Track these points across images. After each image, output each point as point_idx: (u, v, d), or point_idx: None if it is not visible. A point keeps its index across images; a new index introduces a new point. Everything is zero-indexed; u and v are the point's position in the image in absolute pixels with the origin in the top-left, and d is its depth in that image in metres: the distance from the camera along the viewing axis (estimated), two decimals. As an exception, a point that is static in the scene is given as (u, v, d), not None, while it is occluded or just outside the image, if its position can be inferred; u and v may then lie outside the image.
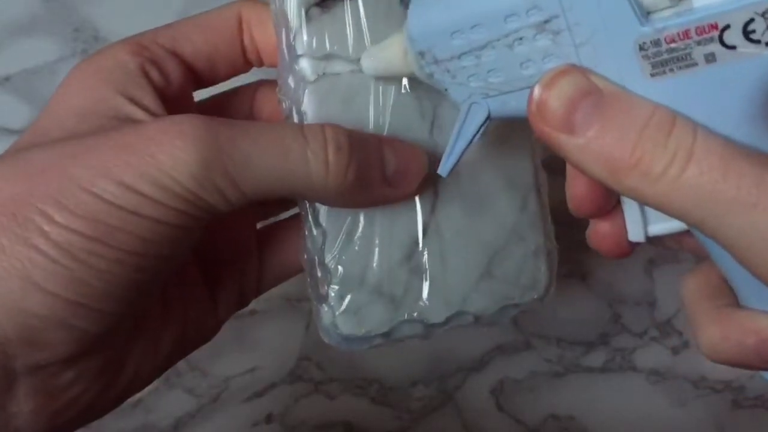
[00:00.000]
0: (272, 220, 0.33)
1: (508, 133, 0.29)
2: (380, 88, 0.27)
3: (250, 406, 0.47)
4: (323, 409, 0.48)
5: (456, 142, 0.24)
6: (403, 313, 0.28)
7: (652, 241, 0.24)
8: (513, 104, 0.22)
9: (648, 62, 0.19)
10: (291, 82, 0.28)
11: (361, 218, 0.28)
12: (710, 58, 0.19)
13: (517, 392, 0.49)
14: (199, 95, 0.31)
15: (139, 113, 0.26)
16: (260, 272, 0.32)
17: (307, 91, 0.27)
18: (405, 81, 0.28)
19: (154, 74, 0.27)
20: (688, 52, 0.19)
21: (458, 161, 0.24)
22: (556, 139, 0.20)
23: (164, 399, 0.46)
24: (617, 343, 0.49)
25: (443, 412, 0.49)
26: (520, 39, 0.21)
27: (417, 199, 0.28)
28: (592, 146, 0.20)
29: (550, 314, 0.48)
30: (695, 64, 0.19)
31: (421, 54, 0.23)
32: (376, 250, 0.28)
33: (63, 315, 0.23)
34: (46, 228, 0.22)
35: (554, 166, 0.46)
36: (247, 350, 0.46)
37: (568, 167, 0.24)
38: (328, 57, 0.27)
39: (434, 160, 0.28)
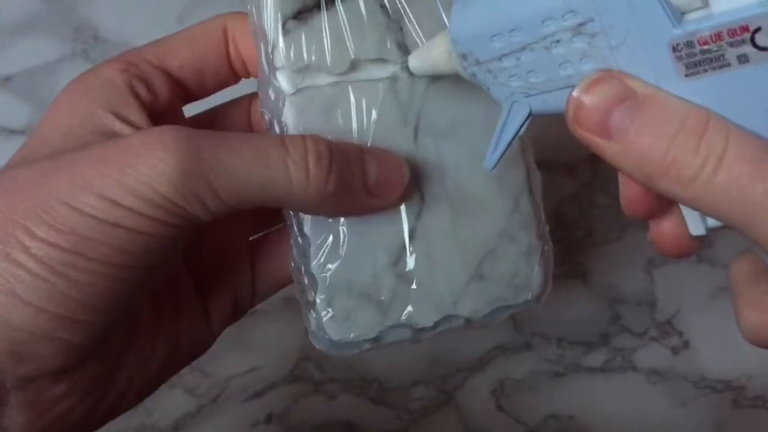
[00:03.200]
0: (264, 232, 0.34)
1: None
2: (362, 98, 0.28)
3: (250, 406, 0.47)
4: (323, 409, 0.48)
5: (499, 140, 0.25)
6: (391, 317, 0.28)
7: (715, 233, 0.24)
8: (553, 102, 0.23)
9: (682, 63, 0.20)
10: (271, 94, 0.28)
11: (346, 226, 0.28)
12: (743, 59, 0.19)
13: (517, 392, 0.49)
14: (196, 109, 0.31)
15: (126, 129, 0.26)
16: (253, 284, 0.32)
17: (287, 103, 0.27)
18: (384, 90, 0.28)
19: (141, 90, 0.27)
20: (721, 54, 0.19)
21: (502, 157, 0.25)
22: (593, 143, 0.21)
23: (164, 399, 0.46)
24: (617, 343, 0.49)
25: (443, 412, 0.49)
26: (557, 41, 0.21)
27: (402, 204, 0.28)
28: (627, 150, 0.20)
29: (550, 314, 0.48)
30: (729, 65, 0.19)
31: (464, 56, 0.24)
32: (362, 256, 0.28)
33: (48, 328, 0.23)
34: (28, 243, 0.22)
35: (554, 165, 0.46)
36: (247, 350, 0.46)
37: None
38: (306, 69, 0.27)
39: (419, 166, 0.28)
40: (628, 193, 0.24)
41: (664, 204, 0.24)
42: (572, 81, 0.21)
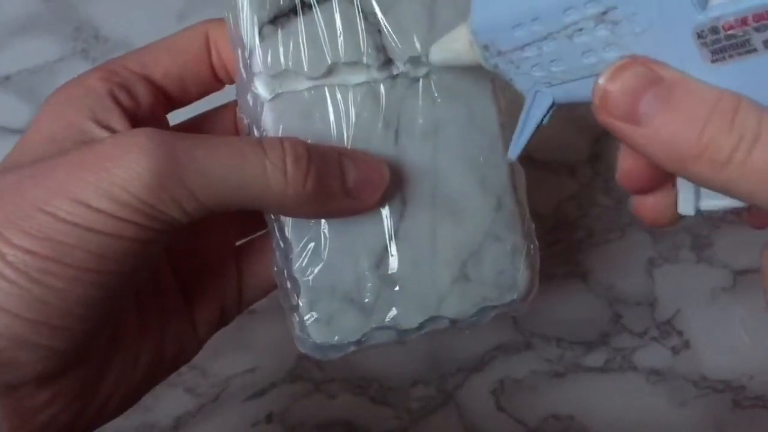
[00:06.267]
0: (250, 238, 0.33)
1: (480, 135, 0.29)
2: (340, 102, 0.28)
3: (250, 406, 0.47)
4: (323, 409, 0.48)
5: (522, 130, 0.24)
6: (375, 320, 0.28)
7: (703, 215, 0.24)
8: (576, 92, 0.23)
9: (707, 49, 0.20)
10: (249, 100, 0.28)
11: (328, 228, 0.28)
12: None
13: (517, 392, 0.49)
14: (184, 117, 0.31)
15: (106, 136, 0.26)
16: (240, 290, 0.32)
17: (265, 108, 0.27)
18: (363, 93, 0.28)
19: (123, 98, 0.27)
20: (746, 39, 0.19)
21: (525, 147, 0.25)
22: (621, 130, 0.21)
23: (164, 398, 0.46)
24: (617, 343, 0.49)
25: (443, 412, 0.49)
26: (580, 30, 0.21)
27: (385, 206, 0.28)
28: (657, 136, 0.20)
29: (550, 314, 0.48)
30: (755, 50, 0.19)
31: (486, 47, 0.24)
32: (345, 258, 0.28)
33: (26, 334, 0.23)
34: (4, 250, 0.22)
35: (554, 165, 0.46)
36: (247, 350, 0.46)
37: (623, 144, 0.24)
38: (284, 74, 0.27)
39: (401, 168, 0.28)
40: (626, 167, 0.24)
41: (660, 180, 0.24)
42: (595, 69, 0.21)
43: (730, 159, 0.19)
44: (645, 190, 0.25)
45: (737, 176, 0.19)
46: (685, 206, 0.24)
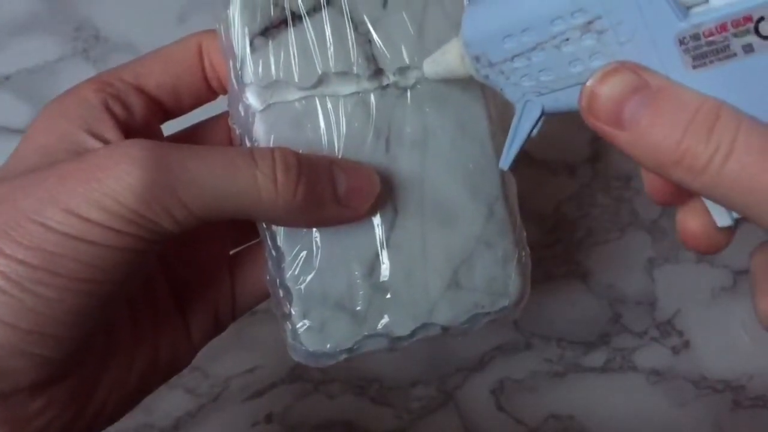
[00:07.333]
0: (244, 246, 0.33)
1: (471, 144, 0.29)
2: (331, 111, 0.28)
3: (250, 406, 0.47)
4: (323, 409, 0.48)
5: (513, 140, 0.25)
6: (367, 327, 0.28)
7: (740, 222, 0.24)
8: (564, 100, 0.23)
9: (689, 55, 0.20)
10: (241, 110, 0.28)
11: (319, 237, 0.28)
12: (748, 48, 0.19)
13: (517, 392, 0.49)
14: (179, 127, 0.31)
15: (100, 146, 0.26)
16: (233, 298, 0.32)
17: (256, 119, 0.27)
18: (353, 103, 0.28)
19: (117, 109, 0.27)
20: (726, 44, 0.20)
21: (516, 157, 0.25)
22: (606, 133, 0.21)
23: (164, 399, 0.46)
24: (617, 343, 0.49)
25: (443, 412, 0.49)
26: (567, 40, 0.22)
27: (376, 214, 0.28)
28: (640, 140, 0.21)
29: (550, 314, 0.48)
30: (734, 55, 0.20)
31: (477, 58, 0.24)
32: (337, 267, 0.28)
33: (19, 343, 0.23)
34: None
35: (554, 165, 0.46)
36: (247, 350, 0.46)
37: None
38: (275, 85, 0.27)
39: (392, 177, 0.28)
40: (650, 180, 0.25)
41: (684, 191, 0.24)
42: (583, 78, 0.22)
43: (707, 167, 0.20)
44: (675, 200, 0.25)
45: (713, 184, 0.20)
46: (721, 218, 0.24)
